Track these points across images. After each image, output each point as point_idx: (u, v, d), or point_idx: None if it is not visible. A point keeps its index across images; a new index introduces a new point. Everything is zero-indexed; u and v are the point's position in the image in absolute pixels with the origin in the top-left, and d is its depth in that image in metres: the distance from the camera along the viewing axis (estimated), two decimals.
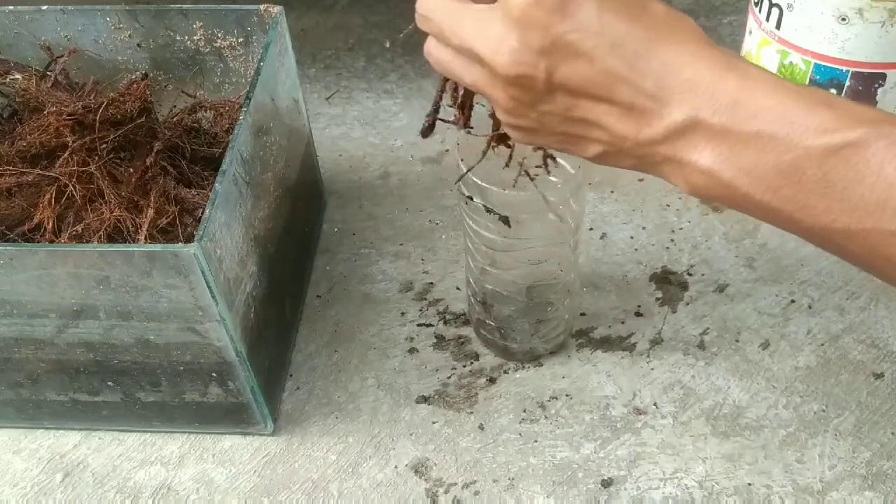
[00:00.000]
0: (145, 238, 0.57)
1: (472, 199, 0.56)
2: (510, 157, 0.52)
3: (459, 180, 0.54)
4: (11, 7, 0.67)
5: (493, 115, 0.50)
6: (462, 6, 0.40)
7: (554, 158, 0.54)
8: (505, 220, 0.55)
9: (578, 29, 0.36)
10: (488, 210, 0.55)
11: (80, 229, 0.58)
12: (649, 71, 0.36)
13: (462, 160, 0.55)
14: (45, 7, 0.67)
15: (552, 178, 0.58)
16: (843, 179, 0.35)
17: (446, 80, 0.49)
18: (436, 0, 0.41)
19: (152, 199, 0.59)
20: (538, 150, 0.53)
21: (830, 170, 0.35)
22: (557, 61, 0.37)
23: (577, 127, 0.40)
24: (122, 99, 0.62)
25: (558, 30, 0.36)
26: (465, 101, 0.49)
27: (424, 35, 0.44)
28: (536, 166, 0.53)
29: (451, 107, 0.50)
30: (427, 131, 0.51)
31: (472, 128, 0.51)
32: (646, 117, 0.37)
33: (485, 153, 0.52)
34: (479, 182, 0.54)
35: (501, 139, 0.51)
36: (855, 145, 0.35)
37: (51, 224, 0.59)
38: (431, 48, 0.43)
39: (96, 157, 0.60)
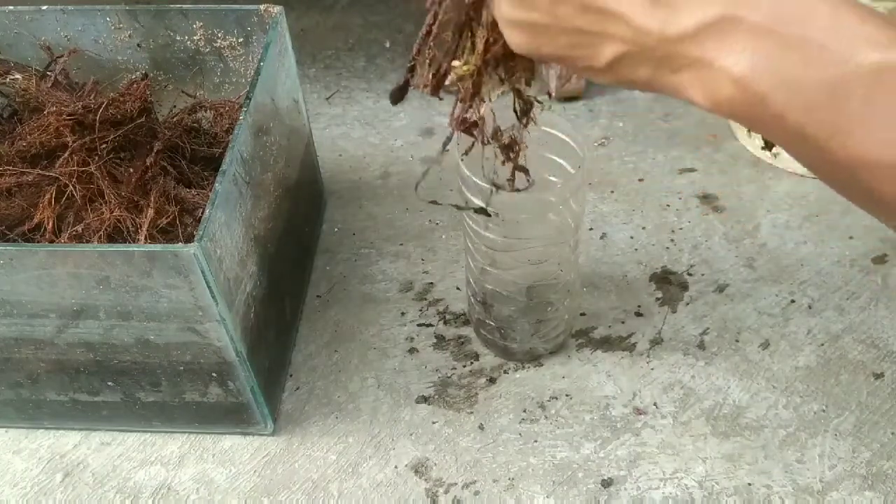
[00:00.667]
0: (145, 238, 0.57)
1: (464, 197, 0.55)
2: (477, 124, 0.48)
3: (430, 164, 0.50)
4: (11, 7, 0.67)
5: (472, 76, 0.45)
6: None
7: (524, 170, 0.51)
8: (483, 212, 0.53)
9: None
10: (458, 208, 0.53)
11: (80, 229, 0.58)
12: None
13: (462, 160, 0.55)
14: (45, 7, 0.67)
15: (552, 179, 0.58)
16: (890, 105, 0.31)
17: (427, 34, 0.44)
18: None
19: (152, 199, 0.59)
20: (507, 139, 0.49)
21: (878, 92, 0.31)
22: None
23: (593, 20, 0.35)
24: (122, 99, 0.62)
25: None
26: (441, 66, 0.45)
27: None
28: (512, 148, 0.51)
29: (426, 63, 0.46)
30: (398, 94, 0.47)
31: (441, 97, 0.47)
32: (674, 7, 0.33)
33: (455, 116, 0.48)
34: (479, 182, 0.54)
35: (470, 96, 0.47)
36: None
37: (51, 224, 0.59)
38: None
39: (96, 157, 0.60)
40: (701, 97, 0.34)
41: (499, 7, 0.37)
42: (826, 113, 0.31)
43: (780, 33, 0.31)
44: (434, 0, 0.44)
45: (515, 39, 0.38)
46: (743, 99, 0.33)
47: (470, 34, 0.44)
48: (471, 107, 0.46)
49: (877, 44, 0.30)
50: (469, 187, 0.55)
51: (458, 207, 0.53)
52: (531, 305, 0.62)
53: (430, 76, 0.45)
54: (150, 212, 0.58)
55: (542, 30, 0.36)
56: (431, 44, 0.45)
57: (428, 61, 0.45)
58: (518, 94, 0.48)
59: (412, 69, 0.46)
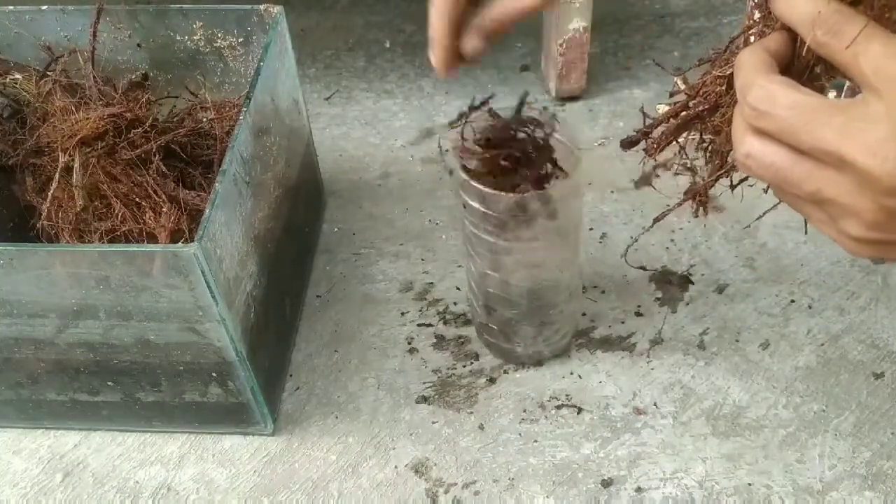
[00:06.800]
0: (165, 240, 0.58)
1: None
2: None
3: None
4: (11, 7, 0.67)
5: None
6: (821, 102, 0.35)
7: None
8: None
9: None
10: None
11: (81, 228, 0.58)
12: None
13: (457, 164, 0.55)
14: (45, 7, 0.67)
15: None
16: None
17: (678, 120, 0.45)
18: (785, 94, 0.35)
19: (153, 199, 0.59)
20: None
21: None
22: None
23: None
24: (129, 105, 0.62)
25: None
26: (708, 188, 0.46)
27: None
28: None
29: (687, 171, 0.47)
30: (628, 146, 0.49)
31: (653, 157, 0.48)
32: None
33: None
34: (477, 185, 0.54)
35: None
36: None
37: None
38: (758, 150, 0.37)
39: (98, 159, 0.60)
40: None
41: (848, 223, 0.37)
42: None
43: None
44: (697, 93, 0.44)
45: (859, 249, 0.38)
46: None
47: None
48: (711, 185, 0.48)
49: None
50: (469, 193, 0.55)
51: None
52: (533, 309, 0.62)
53: (698, 198, 0.48)
54: (172, 217, 0.58)
55: (894, 245, 0.37)
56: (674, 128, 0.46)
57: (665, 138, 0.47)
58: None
59: (647, 135, 0.47)
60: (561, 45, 0.84)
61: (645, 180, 0.53)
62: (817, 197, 0.36)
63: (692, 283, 0.71)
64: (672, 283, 0.71)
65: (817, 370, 0.65)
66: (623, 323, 0.69)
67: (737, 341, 0.67)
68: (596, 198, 0.78)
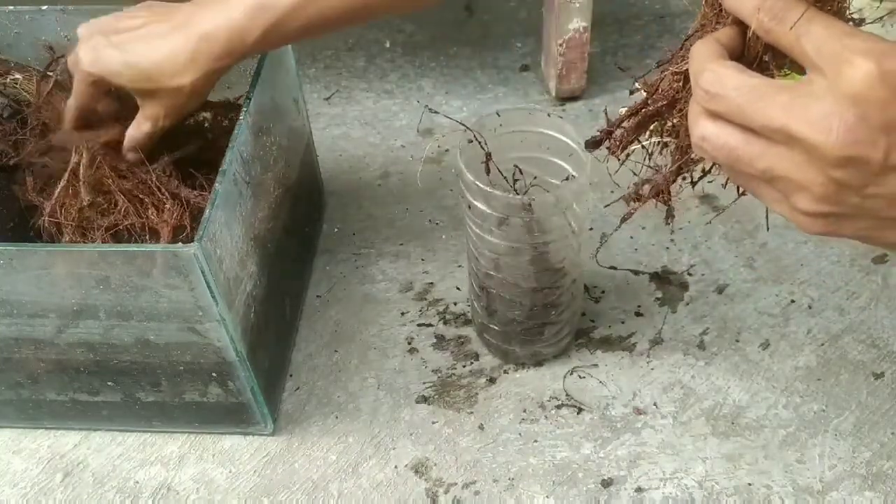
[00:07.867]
0: (168, 238, 0.58)
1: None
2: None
3: None
4: (11, 7, 0.67)
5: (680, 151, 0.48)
6: (767, 83, 0.37)
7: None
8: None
9: None
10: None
11: (103, 224, 0.58)
12: None
13: (464, 166, 0.55)
14: (45, 7, 0.67)
15: (555, 181, 0.58)
16: None
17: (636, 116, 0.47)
18: (733, 76, 0.37)
19: (156, 196, 0.59)
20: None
21: None
22: None
23: None
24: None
25: None
26: (668, 182, 0.48)
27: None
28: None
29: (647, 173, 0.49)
30: (592, 146, 0.51)
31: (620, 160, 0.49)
32: None
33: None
34: (483, 186, 0.54)
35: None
36: None
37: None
38: (711, 132, 0.38)
39: (105, 156, 0.60)
40: None
41: (800, 198, 0.37)
42: None
43: None
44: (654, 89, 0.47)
45: (811, 225, 0.38)
46: None
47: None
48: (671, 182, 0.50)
49: None
50: (473, 193, 0.55)
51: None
52: (535, 309, 0.62)
53: (662, 196, 0.50)
54: (175, 213, 0.58)
55: (846, 218, 0.37)
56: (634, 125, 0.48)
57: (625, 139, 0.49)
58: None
59: (610, 134, 0.49)
60: (561, 45, 0.84)
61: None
62: (769, 175, 0.38)
63: (668, 280, 0.71)
64: (672, 283, 0.71)
65: (817, 370, 0.65)
66: (623, 323, 0.69)
67: (737, 341, 0.67)
68: (596, 198, 0.78)
